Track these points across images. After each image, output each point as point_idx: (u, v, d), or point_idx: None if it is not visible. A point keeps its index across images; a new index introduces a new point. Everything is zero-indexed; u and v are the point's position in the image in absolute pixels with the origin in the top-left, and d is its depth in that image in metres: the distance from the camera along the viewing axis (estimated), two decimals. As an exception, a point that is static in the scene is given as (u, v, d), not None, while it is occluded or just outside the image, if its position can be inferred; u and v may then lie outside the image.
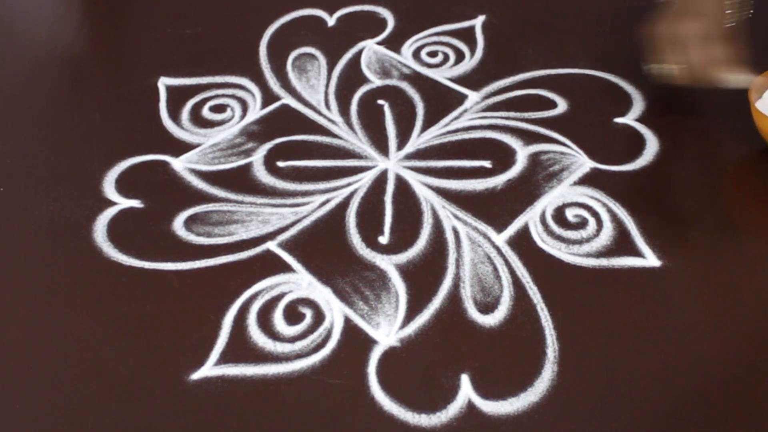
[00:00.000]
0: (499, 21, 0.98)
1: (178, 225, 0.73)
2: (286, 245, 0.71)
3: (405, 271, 0.68)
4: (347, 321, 0.65)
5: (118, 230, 0.73)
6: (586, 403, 0.59)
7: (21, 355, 0.64)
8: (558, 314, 0.64)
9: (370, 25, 0.98)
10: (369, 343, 0.63)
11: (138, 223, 0.74)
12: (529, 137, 0.81)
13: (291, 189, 0.77)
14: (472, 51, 0.93)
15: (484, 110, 0.84)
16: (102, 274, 0.69)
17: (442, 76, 0.90)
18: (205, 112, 0.87)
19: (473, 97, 0.86)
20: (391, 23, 0.98)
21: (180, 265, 0.70)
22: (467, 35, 0.96)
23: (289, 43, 0.96)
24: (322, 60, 0.93)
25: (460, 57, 0.92)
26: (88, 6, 1.07)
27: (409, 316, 0.65)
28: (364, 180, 0.77)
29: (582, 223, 0.72)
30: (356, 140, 0.82)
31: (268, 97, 0.88)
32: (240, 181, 0.78)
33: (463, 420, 0.58)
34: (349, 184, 0.77)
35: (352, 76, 0.90)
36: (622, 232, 0.71)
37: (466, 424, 0.58)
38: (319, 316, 0.65)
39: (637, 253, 0.69)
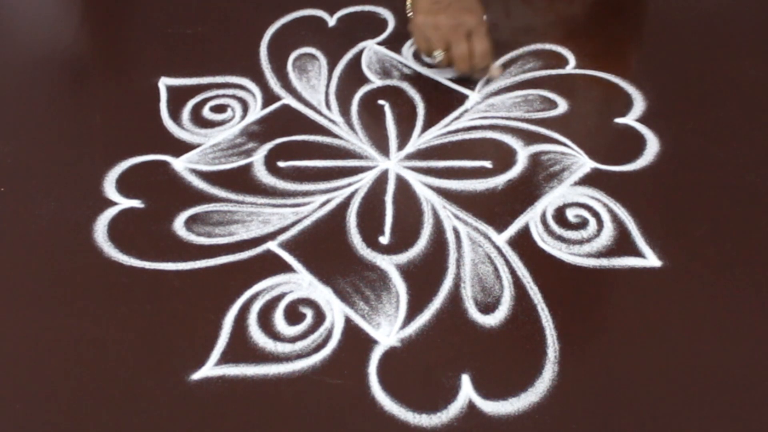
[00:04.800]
0: (499, 21, 0.98)
1: (179, 225, 0.73)
2: (286, 245, 0.71)
3: (405, 271, 0.68)
4: (348, 321, 0.65)
5: (118, 230, 0.73)
6: (587, 403, 0.59)
7: (21, 355, 0.64)
8: (559, 314, 0.64)
9: (371, 26, 0.98)
10: (369, 343, 0.63)
11: (138, 223, 0.74)
12: (529, 137, 0.81)
13: (291, 189, 0.77)
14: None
15: (485, 110, 0.84)
16: (102, 274, 0.69)
17: (442, 76, 0.90)
18: (206, 112, 0.87)
19: (474, 97, 0.86)
20: (391, 23, 0.98)
21: (180, 265, 0.70)
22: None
23: (289, 43, 0.96)
24: (323, 60, 0.93)
25: (460, 57, 0.92)
26: (88, 6, 1.07)
27: (410, 316, 0.65)
28: (365, 180, 0.77)
29: (582, 224, 0.72)
30: (357, 140, 0.82)
31: (269, 97, 0.88)
32: (241, 181, 0.78)
33: (463, 420, 0.58)
34: (349, 185, 0.77)
35: (353, 77, 0.90)
36: (622, 232, 0.71)
37: (466, 424, 0.58)
38: (319, 316, 0.65)
39: (637, 253, 0.69)
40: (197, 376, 0.61)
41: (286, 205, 0.75)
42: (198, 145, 0.82)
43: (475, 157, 0.79)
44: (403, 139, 0.82)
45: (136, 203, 0.76)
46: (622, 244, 0.70)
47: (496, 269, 0.68)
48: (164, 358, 0.63)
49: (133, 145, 0.82)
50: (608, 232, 0.71)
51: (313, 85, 0.89)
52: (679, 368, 0.60)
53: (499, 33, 0.94)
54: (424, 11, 0.83)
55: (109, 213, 0.75)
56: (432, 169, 0.78)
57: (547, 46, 0.93)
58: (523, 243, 0.70)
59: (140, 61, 0.95)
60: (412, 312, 0.65)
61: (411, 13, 0.86)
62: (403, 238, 0.71)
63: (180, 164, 0.80)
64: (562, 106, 0.85)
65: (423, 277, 0.68)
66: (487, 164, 0.78)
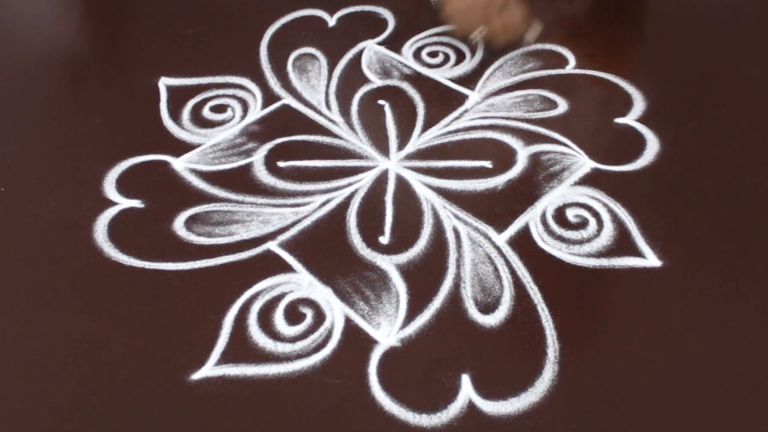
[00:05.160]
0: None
1: (179, 225, 0.73)
2: (286, 245, 0.71)
3: (405, 271, 0.68)
4: (348, 321, 0.65)
5: (118, 230, 0.73)
6: (587, 403, 0.59)
7: (21, 355, 0.64)
8: (558, 314, 0.64)
9: (371, 26, 0.98)
10: (369, 343, 0.63)
11: (138, 223, 0.74)
12: (529, 137, 0.81)
13: (291, 189, 0.77)
14: (473, 51, 0.93)
15: (485, 110, 0.84)
16: (102, 274, 0.69)
17: (442, 76, 0.90)
18: (206, 112, 0.87)
19: (474, 97, 0.86)
20: (391, 23, 0.98)
21: (180, 265, 0.70)
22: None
23: (289, 43, 0.96)
24: (323, 60, 0.93)
25: (460, 57, 0.92)
26: (88, 6, 1.07)
27: (410, 316, 0.65)
28: (365, 180, 0.77)
29: (582, 224, 0.72)
30: (357, 140, 0.82)
31: (269, 97, 0.88)
32: (241, 181, 0.78)
33: (463, 420, 0.58)
34: (349, 184, 0.77)
35: (353, 77, 0.90)
36: (622, 232, 0.71)
37: (466, 424, 0.57)
38: (319, 316, 0.65)
39: (637, 253, 0.69)
40: (197, 376, 0.61)
41: (286, 205, 0.75)
42: (198, 145, 0.82)
43: (475, 157, 0.79)
44: (403, 139, 0.82)
45: (136, 203, 0.76)
46: (622, 244, 0.70)
47: (496, 269, 0.68)
48: (164, 358, 0.63)
49: (133, 145, 0.82)
50: (608, 232, 0.71)
51: (313, 85, 0.89)
52: (679, 368, 0.60)
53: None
54: None
55: (109, 213, 0.75)
56: (432, 169, 0.78)
57: (547, 46, 0.93)
58: (523, 243, 0.70)
59: (140, 61, 0.95)
60: (412, 312, 0.65)
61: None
62: (403, 238, 0.71)
63: (180, 164, 0.80)
64: (562, 106, 0.85)
65: (423, 277, 0.68)
66: (487, 164, 0.78)
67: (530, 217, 0.72)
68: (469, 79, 0.89)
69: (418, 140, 0.82)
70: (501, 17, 0.86)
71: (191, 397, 0.60)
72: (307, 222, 0.73)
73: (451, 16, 0.89)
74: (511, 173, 0.77)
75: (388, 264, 0.69)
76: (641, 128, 0.81)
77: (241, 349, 0.63)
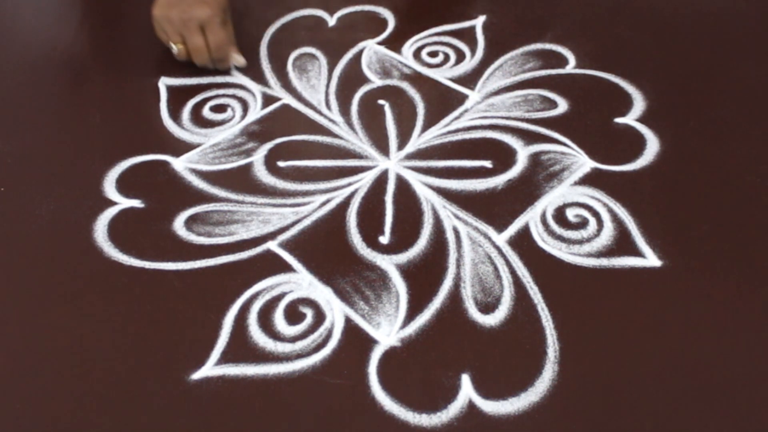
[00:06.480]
0: (500, 21, 0.98)
1: (179, 225, 0.73)
2: (286, 245, 0.71)
3: (405, 270, 0.68)
4: (348, 321, 0.65)
5: (118, 230, 0.73)
6: (587, 403, 0.59)
7: (21, 355, 0.64)
8: (559, 314, 0.64)
9: (371, 25, 0.98)
10: (370, 342, 0.63)
11: (138, 223, 0.74)
12: (529, 137, 0.81)
13: (291, 189, 0.77)
14: (473, 51, 0.93)
15: (485, 110, 0.84)
16: (102, 274, 0.69)
17: (442, 76, 0.90)
18: (206, 112, 0.87)
19: (474, 96, 0.86)
20: (391, 23, 0.98)
21: (180, 264, 0.70)
22: (468, 35, 0.96)
23: (289, 43, 0.96)
24: (323, 60, 0.93)
25: (460, 57, 0.92)
26: (88, 6, 1.07)
27: (410, 316, 0.65)
28: (365, 180, 0.77)
29: (583, 223, 0.72)
30: (357, 140, 0.82)
31: (269, 97, 0.88)
32: (240, 181, 0.78)
33: (463, 420, 0.58)
34: (349, 184, 0.77)
35: (353, 76, 0.90)
36: (622, 232, 0.71)
37: (466, 424, 0.58)
38: (319, 316, 0.65)
39: (637, 253, 0.69)
40: (197, 376, 0.61)
41: (286, 205, 0.75)
42: (198, 145, 0.82)
43: (475, 157, 0.79)
44: (403, 138, 0.82)
45: (136, 203, 0.76)
46: (622, 244, 0.70)
47: (496, 269, 0.68)
48: (164, 358, 0.63)
49: (133, 145, 0.82)
50: (608, 231, 0.71)
51: (313, 85, 0.90)
52: (679, 368, 0.60)
53: (499, 30, 0.94)
54: (160, 5, 0.87)
55: (109, 213, 0.75)
56: (432, 168, 0.78)
57: (547, 46, 0.93)
58: (523, 243, 0.70)
59: (140, 61, 0.95)
60: (412, 312, 0.65)
61: None
62: (403, 238, 0.71)
63: (180, 164, 0.80)
64: (562, 106, 0.85)
65: (423, 277, 0.68)
66: (487, 164, 0.78)
67: (530, 217, 0.72)
68: (469, 79, 0.89)
69: (418, 140, 0.82)
70: (202, 36, 0.86)
71: (191, 397, 0.60)
72: (307, 222, 0.73)
73: (154, 25, 0.88)
74: (511, 173, 0.77)
75: (388, 264, 0.69)
76: (641, 128, 0.81)
77: (241, 349, 0.63)
